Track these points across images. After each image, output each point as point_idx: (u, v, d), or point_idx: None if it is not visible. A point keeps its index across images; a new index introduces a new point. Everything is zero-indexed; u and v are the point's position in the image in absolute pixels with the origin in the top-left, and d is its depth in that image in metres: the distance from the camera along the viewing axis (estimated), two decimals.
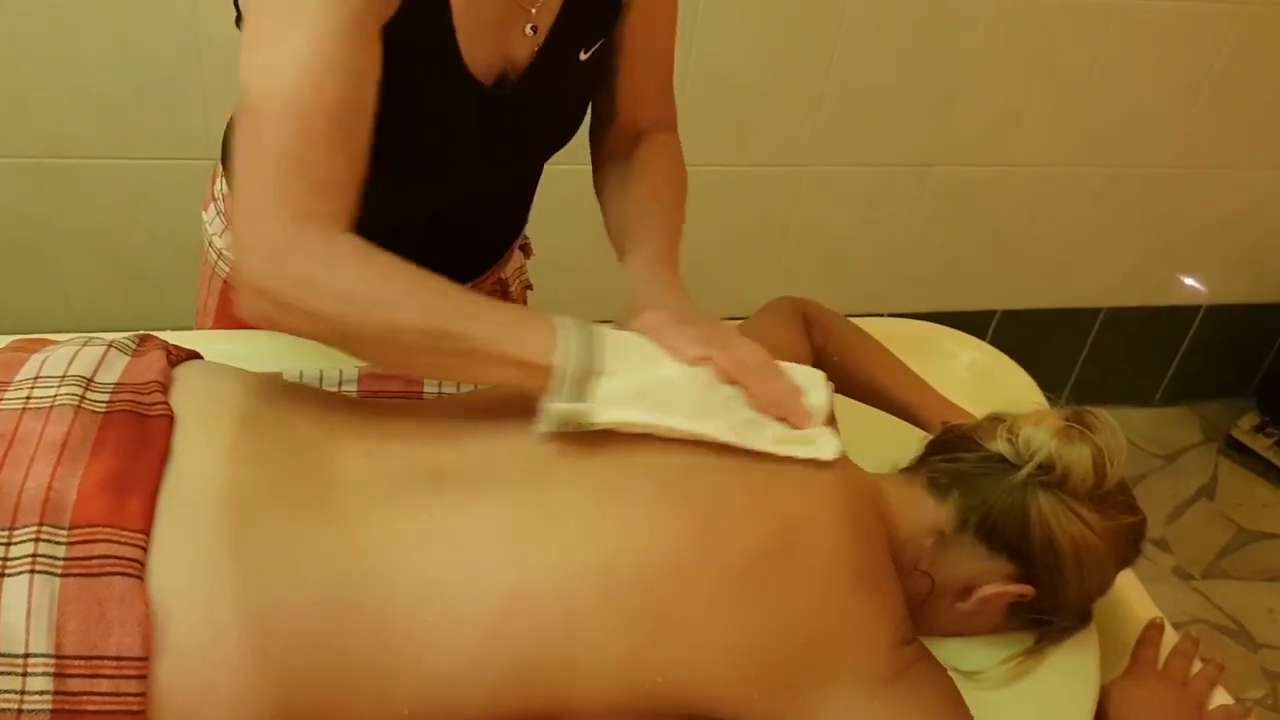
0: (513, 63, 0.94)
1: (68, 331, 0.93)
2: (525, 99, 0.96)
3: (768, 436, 0.85)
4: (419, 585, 0.75)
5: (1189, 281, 2.48)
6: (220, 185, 1.12)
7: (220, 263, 1.15)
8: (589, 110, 1.09)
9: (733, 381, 0.85)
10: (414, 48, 0.86)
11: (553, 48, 0.96)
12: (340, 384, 1.05)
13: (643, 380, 0.82)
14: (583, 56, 1.00)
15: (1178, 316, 2.56)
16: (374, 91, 0.81)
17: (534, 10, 0.93)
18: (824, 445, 0.87)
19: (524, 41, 0.94)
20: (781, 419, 0.86)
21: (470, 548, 0.77)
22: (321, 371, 1.05)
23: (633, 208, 1.04)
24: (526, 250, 1.29)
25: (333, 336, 0.80)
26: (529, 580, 0.76)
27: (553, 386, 0.79)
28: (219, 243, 1.14)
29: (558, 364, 0.78)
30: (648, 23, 1.04)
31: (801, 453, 0.85)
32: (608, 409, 0.80)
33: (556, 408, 0.79)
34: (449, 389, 1.04)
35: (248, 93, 0.78)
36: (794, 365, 0.92)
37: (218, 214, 1.13)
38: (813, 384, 0.91)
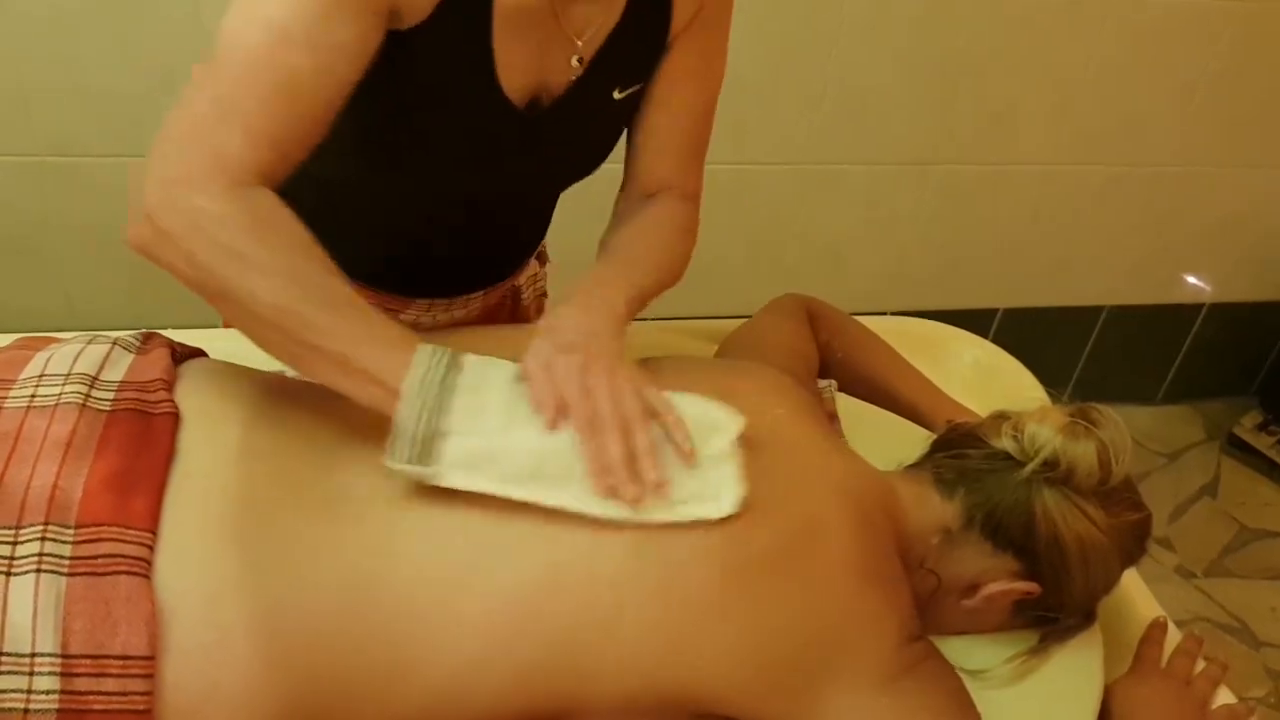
0: (548, 89, 0.94)
1: (69, 331, 0.93)
2: (553, 126, 0.95)
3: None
4: (425, 586, 0.75)
5: (1191, 280, 2.48)
6: None
7: None
8: (612, 150, 1.05)
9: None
10: (449, 56, 0.86)
11: (590, 80, 0.95)
12: None
13: (495, 443, 0.76)
14: (617, 95, 0.98)
15: (1180, 315, 2.55)
16: (349, 69, 0.79)
17: (580, 42, 0.92)
18: (699, 505, 0.78)
19: (564, 70, 0.93)
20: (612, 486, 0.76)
21: (477, 549, 0.77)
22: None
23: (604, 251, 0.99)
24: (542, 258, 1.28)
25: (203, 289, 0.75)
26: (535, 582, 0.76)
27: (395, 445, 0.74)
28: None
29: (401, 420, 0.73)
30: (683, 73, 1.00)
31: (660, 517, 0.77)
32: (455, 474, 0.75)
33: (400, 468, 0.74)
34: None
35: (218, 40, 0.77)
36: (708, 406, 0.84)
37: None
38: (716, 427, 0.82)
